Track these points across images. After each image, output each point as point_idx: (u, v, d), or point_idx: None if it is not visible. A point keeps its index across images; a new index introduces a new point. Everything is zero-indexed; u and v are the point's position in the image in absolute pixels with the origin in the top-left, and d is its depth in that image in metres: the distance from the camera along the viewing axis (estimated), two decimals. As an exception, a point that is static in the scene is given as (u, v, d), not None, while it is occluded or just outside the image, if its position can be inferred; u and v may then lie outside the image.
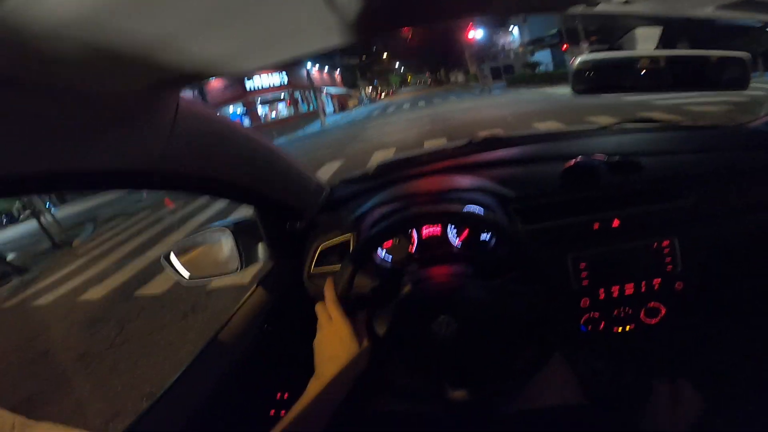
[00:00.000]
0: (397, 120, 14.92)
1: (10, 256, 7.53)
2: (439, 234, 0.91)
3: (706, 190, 0.89)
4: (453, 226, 0.90)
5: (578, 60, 0.81)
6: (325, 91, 36.09)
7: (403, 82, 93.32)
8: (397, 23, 0.43)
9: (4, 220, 18.49)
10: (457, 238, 0.90)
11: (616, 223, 0.88)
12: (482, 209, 0.86)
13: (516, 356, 0.67)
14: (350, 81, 51.52)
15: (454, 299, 0.65)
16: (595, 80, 0.83)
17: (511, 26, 27.15)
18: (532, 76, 21.48)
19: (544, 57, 24.04)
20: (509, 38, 28.27)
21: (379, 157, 7.73)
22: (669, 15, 0.57)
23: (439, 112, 14.72)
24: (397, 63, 75.51)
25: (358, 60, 51.19)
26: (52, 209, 10.82)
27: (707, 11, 0.55)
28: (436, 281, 0.73)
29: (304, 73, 26.75)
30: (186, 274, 0.89)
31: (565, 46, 17.51)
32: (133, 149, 0.50)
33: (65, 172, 0.42)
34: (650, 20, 0.76)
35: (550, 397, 0.80)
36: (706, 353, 1.00)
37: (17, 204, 16.43)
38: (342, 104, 41.57)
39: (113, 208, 11.73)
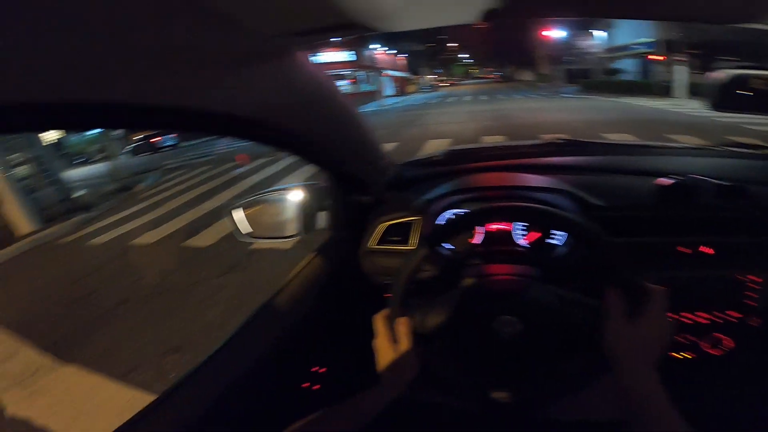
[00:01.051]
0: (456, 111, 14.60)
1: (78, 194, 8.23)
2: (507, 231, 0.88)
3: None
4: (522, 225, 0.88)
5: (729, 74, 0.68)
6: (387, 73, 35.99)
7: (467, 74, 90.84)
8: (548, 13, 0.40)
9: (80, 159, 20.46)
10: (525, 238, 0.87)
11: (705, 249, 0.82)
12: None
13: (568, 366, 0.66)
14: (413, 66, 51.01)
15: (520, 301, 0.63)
16: (746, 98, 0.71)
17: (596, 29, 25.27)
18: (610, 84, 19.99)
19: (628, 65, 22.18)
20: (592, 41, 26.31)
21: (432, 147, 7.61)
22: None
23: (501, 108, 14.20)
24: (464, 54, 73.41)
25: (425, 46, 50.47)
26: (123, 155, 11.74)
27: None
28: (500, 279, 0.71)
29: (369, 53, 26.77)
30: (247, 230, 0.89)
31: (662, 57, 15.97)
32: (253, 95, 0.50)
33: (188, 109, 0.42)
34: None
35: (593, 411, 0.78)
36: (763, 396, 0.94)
37: (95, 146, 18.09)
38: (402, 88, 41.46)
39: (177, 160, 12.56)
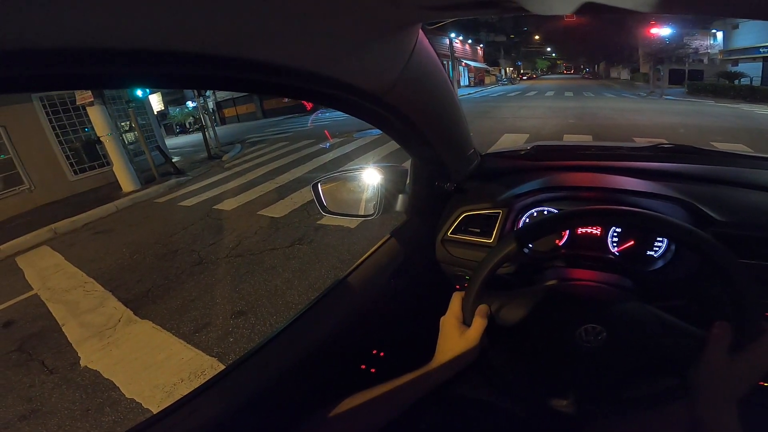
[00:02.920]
0: (537, 106, 13.68)
1: (174, 159, 9.19)
2: (596, 236, 0.83)
3: None
4: (615, 231, 0.82)
5: None
6: (464, 63, 35.02)
7: (551, 68, 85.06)
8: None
9: (178, 129, 23.09)
10: (617, 246, 0.82)
11: None
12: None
13: (642, 385, 0.62)
14: (492, 58, 49.06)
15: (608, 311, 0.60)
16: None
17: (715, 29, 22.03)
18: (726, 88, 17.53)
19: (751, 69, 19.45)
20: (708, 41, 22.94)
21: (509, 141, 7.22)
22: None
23: (588, 106, 13.04)
24: (549, 47, 68.58)
25: (505, 38, 48.36)
26: (216, 127, 12.93)
27: None
28: (587, 285, 0.68)
29: (446, 41, 26.22)
30: (326, 205, 0.91)
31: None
32: (375, 71, 0.49)
33: (320, 74, 0.43)
34: None
35: None
36: None
37: (191, 118, 20.25)
38: (479, 79, 40.23)
39: (258, 134, 13.45)
